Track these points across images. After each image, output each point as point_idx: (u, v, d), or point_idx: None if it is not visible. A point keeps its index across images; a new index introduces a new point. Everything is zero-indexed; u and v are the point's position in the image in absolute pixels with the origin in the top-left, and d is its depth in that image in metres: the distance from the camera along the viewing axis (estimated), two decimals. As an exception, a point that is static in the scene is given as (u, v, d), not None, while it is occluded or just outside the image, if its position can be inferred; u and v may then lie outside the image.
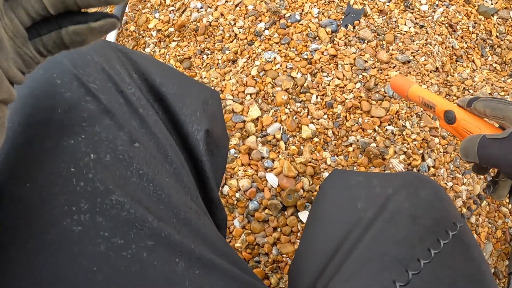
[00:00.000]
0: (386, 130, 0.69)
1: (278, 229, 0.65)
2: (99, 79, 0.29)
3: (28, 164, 0.25)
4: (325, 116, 0.71)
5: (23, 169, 0.25)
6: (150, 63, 0.35)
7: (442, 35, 0.83)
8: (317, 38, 0.80)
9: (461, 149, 0.38)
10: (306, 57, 0.76)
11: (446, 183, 0.68)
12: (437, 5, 0.88)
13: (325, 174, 0.66)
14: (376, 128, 0.70)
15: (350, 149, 0.69)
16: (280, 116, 0.71)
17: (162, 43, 0.87)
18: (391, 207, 0.51)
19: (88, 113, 0.26)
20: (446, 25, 0.85)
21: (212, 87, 0.76)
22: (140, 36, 0.89)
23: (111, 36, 0.83)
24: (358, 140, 0.69)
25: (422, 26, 0.83)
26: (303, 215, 0.65)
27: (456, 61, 0.83)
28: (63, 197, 0.24)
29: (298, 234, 0.64)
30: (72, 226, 0.23)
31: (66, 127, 0.25)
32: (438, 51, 0.80)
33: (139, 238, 0.25)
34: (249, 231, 0.64)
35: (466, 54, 0.84)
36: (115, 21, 0.20)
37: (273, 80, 0.74)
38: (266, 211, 0.65)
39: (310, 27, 0.80)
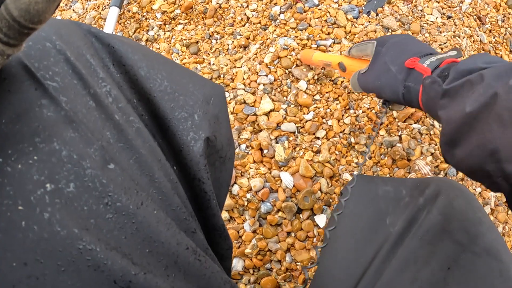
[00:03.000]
0: (413, 128, 0.61)
1: (292, 234, 0.57)
2: (61, 74, 0.21)
3: None
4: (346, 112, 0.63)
5: None
6: (133, 50, 0.26)
7: (470, 27, 0.75)
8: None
9: (351, 84, 0.47)
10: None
11: (474, 189, 0.61)
12: (464, -5, 0.79)
13: (345, 176, 0.59)
14: (400, 124, 0.61)
15: (373, 148, 0.61)
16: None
17: (167, 26, 0.78)
18: (422, 220, 0.44)
19: (44, 123, 0.19)
20: (475, 17, 0.77)
21: (222, 75, 0.67)
22: (144, 18, 0.80)
23: (111, 20, 0.74)
24: (382, 139, 0.61)
25: (449, 17, 0.75)
26: (320, 219, 0.57)
27: (484, 56, 0.75)
28: (9, 249, 0.17)
29: (314, 240, 0.57)
30: (24, 291, 0.15)
31: (11, 144, 0.17)
32: (467, 44, 0.72)
33: None
34: (261, 236, 0.56)
35: (494, 49, 0.76)
36: None
37: (289, 69, 0.66)
38: (280, 214, 0.57)
39: (329, 13, 0.71)
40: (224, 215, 0.57)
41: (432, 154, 0.60)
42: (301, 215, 0.57)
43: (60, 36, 0.23)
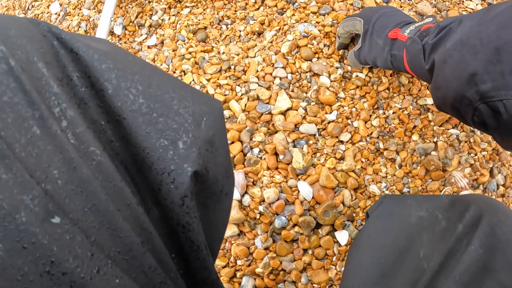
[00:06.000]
0: (451, 134, 0.50)
1: (310, 251, 0.48)
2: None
3: None
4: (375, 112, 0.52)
5: None
6: (100, 57, 0.19)
7: (516, 16, 0.62)
8: (365, 10, 0.58)
9: (350, 63, 0.52)
10: (352, 34, 0.56)
11: (518, 204, 0.51)
12: (509, -21, 0.65)
13: (372, 188, 0.48)
14: (436, 129, 0.51)
15: (404, 155, 0.50)
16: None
17: (172, 10, 0.66)
18: (461, 254, 0.36)
19: None
20: (520, 4, 0.64)
21: (233, 66, 0.56)
22: (146, 1, 0.68)
23: (110, 4, 0.62)
24: (415, 145, 0.50)
25: (490, 4, 0.62)
26: (341, 236, 0.48)
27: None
28: None
29: (334, 258, 0.47)
30: None
31: None
32: None
33: None
34: (274, 254, 0.47)
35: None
36: None
37: (309, 61, 0.54)
38: (296, 229, 0.47)
39: (356, -4, 0.59)
40: (233, 229, 0.48)
41: (471, 165, 0.50)
42: (320, 231, 0.48)
43: (6, 38, 0.17)
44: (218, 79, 0.55)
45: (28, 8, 0.82)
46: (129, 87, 0.19)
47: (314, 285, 0.47)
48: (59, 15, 0.75)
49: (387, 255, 0.38)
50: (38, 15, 0.78)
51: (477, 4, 0.62)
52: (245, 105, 0.52)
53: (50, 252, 0.14)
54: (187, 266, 0.22)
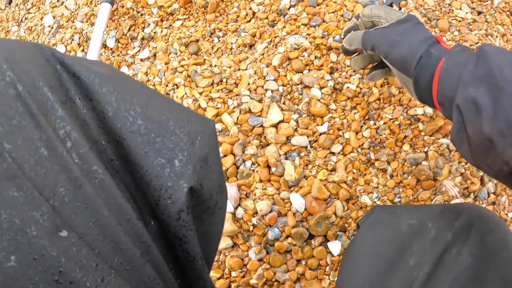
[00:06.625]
0: (441, 144, 0.51)
1: (303, 262, 0.48)
2: (8, 114, 0.17)
3: None
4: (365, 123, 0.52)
5: None
6: (101, 81, 0.21)
7: (504, 25, 0.63)
8: (355, 21, 0.59)
9: (347, 40, 0.43)
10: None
11: (506, 214, 0.51)
12: (496, -14, 0.66)
13: (364, 198, 0.49)
14: (427, 139, 0.51)
15: (395, 165, 0.51)
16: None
17: (164, 23, 0.66)
18: (450, 263, 0.37)
19: None
20: (508, 13, 0.65)
21: (225, 79, 0.56)
22: (139, 14, 0.68)
23: (102, 18, 0.62)
24: (406, 155, 0.51)
25: (480, 12, 0.63)
26: (334, 246, 0.48)
27: (518, 57, 0.63)
28: None
29: (327, 268, 0.48)
30: None
31: None
32: (500, 44, 0.60)
33: None
34: (268, 265, 0.47)
35: (529, 48, 0.64)
36: None
37: (300, 73, 0.55)
38: (289, 240, 0.48)
39: (346, 6, 0.60)
40: (227, 241, 0.48)
41: (461, 174, 0.50)
42: (313, 242, 0.48)
43: (13, 64, 0.18)
44: (210, 92, 0.55)
45: (21, 20, 0.82)
46: (128, 109, 0.21)
47: (308, 296, 0.47)
48: (52, 27, 0.75)
49: (378, 264, 0.39)
50: (32, 27, 0.78)
51: (466, 13, 0.63)
52: (237, 118, 0.53)
53: (59, 263, 0.16)
54: (184, 276, 0.23)
